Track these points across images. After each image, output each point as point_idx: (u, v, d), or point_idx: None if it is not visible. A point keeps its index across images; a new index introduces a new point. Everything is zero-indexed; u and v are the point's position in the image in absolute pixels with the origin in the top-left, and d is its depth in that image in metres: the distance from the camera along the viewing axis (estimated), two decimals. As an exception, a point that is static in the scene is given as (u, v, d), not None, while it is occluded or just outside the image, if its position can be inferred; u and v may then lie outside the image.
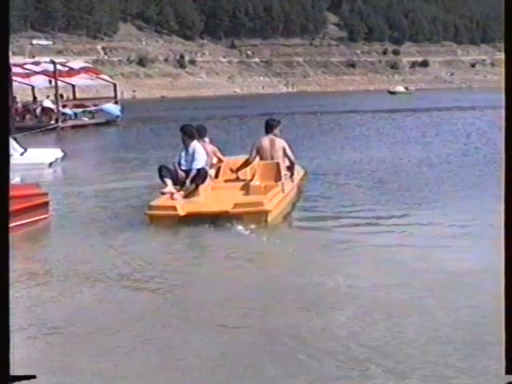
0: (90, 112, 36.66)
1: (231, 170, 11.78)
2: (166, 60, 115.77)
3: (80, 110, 36.23)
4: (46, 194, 10.31)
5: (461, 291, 6.36)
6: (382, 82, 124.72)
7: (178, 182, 10.61)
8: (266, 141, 11.70)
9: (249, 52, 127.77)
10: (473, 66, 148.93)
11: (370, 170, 15.97)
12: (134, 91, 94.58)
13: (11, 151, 16.70)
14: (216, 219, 9.47)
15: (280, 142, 11.67)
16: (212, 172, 11.45)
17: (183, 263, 7.92)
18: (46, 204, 10.22)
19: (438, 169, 15.89)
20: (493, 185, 12.25)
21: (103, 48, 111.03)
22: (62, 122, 33.43)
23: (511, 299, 1.99)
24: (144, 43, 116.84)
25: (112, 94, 39.77)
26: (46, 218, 10.08)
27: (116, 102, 38.55)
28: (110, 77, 49.89)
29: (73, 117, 35.35)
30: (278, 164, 11.36)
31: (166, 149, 19.74)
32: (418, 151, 19.59)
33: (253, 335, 5.41)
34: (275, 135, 11.76)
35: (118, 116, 36.85)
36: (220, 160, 11.98)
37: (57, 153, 18.65)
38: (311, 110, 47.69)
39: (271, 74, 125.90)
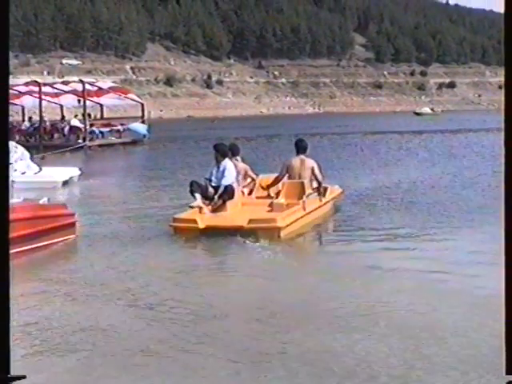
0: (118, 131, 36.88)
1: (262, 187, 12.29)
2: (193, 80, 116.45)
3: (107, 129, 36.49)
4: (73, 215, 10.39)
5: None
6: (408, 104, 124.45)
7: (208, 197, 11.20)
8: (296, 160, 12.22)
9: (276, 72, 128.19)
10: (500, 87, 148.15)
11: (397, 191, 15.93)
12: (161, 111, 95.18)
13: (25, 169, 16.75)
14: (234, 233, 10.02)
15: (310, 163, 12.19)
16: (245, 189, 12.13)
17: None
18: (73, 224, 10.28)
19: (463, 191, 15.82)
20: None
21: (131, 68, 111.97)
22: (90, 140, 33.69)
23: (511, 299, 1.97)
24: (171, 63, 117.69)
25: (139, 114, 40.02)
26: (73, 237, 10.14)
27: (143, 122, 38.77)
28: (138, 96, 50.25)
29: (100, 136, 35.60)
30: (302, 183, 11.83)
31: (192, 168, 19.81)
32: (443, 172, 19.54)
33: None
34: (306, 156, 12.28)
35: (144, 135, 37.04)
36: (252, 178, 12.44)
37: (73, 171, 18.41)
38: (338, 130, 47.67)
39: (298, 95, 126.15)
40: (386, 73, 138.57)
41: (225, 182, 11.16)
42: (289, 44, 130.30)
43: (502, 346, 2.00)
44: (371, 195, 15.27)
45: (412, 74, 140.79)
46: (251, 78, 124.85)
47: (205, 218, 10.55)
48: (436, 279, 7.83)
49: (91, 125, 35.68)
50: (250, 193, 12.26)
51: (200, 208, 10.85)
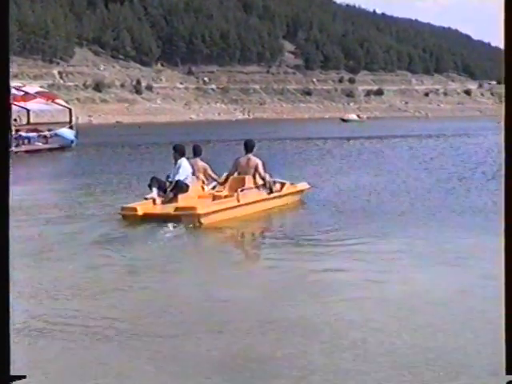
0: (45, 137, 36.38)
1: (219, 183, 13.76)
2: (122, 85, 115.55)
3: (35, 134, 35.95)
4: None
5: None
6: (337, 110, 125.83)
7: (165, 191, 12.79)
8: (243, 159, 13.86)
9: (205, 78, 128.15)
10: (426, 95, 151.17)
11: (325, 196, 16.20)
12: (89, 116, 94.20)
13: None
14: (166, 220, 11.63)
15: (254, 161, 13.75)
16: (209, 186, 13.64)
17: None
18: None
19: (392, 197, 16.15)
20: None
21: (59, 72, 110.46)
22: (16, 146, 33.14)
23: (511, 300, 2.09)
24: (100, 68, 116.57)
25: (67, 119, 39.57)
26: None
27: (71, 127, 38.36)
28: (66, 102, 49.65)
29: (26, 142, 35.05)
30: (243, 178, 13.43)
31: (119, 174, 19.73)
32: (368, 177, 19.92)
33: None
34: (254, 155, 13.83)
35: (72, 141, 36.66)
36: (211, 176, 13.81)
37: None
38: (267, 136, 47.96)
39: (227, 101, 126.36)
40: (315, 80, 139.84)
41: (178, 177, 12.74)
42: (218, 50, 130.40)
43: (502, 346, 2.14)
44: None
45: (340, 81, 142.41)
46: (181, 83, 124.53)
47: (144, 207, 12.15)
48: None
49: (17, 130, 35.10)
50: (214, 188, 13.74)
51: (153, 199, 12.47)
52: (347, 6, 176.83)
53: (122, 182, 19.72)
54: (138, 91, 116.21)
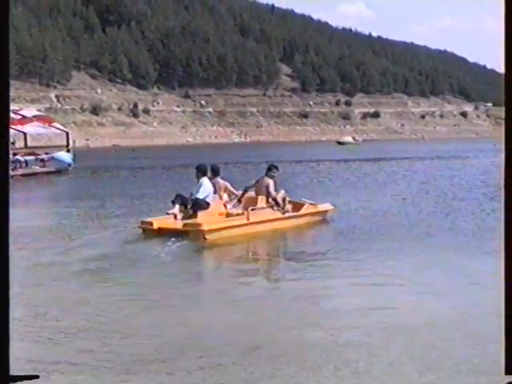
0: (42, 160, 36.37)
1: (239, 199, 14.46)
2: (119, 109, 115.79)
3: (32, 157, 35.96)
4: None
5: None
6: (334, 133, 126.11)
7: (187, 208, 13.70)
8: (261, 179, 14.63)
9: (202, 102, 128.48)
10: (422, 117, 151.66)
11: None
12: (86, 140, 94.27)
13: None
14: (177, 234, 12.53)
15: (266, 181, 14.45)
16: (233, 202, 14.34)
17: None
18: None
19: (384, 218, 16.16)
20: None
21: (56, 96, 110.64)
22: (13, 170, 33.10)
23: (511, 299, 2.09)
24: (97, 92, 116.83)
25: (64, 143, 39.61)
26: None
27: (68, 151, 38.39)
28: (63, 125, 49.72)
29: (24, 165, 35.04)
30: (256, 198, 14.24)
31: (117, 198, 19.72)
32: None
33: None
34: (270, 177, 14.57)
35: (69, 164, 36.67)
36: (232, 193, 14.59)
37: None
38: (264, 159, 48.00)
39: (224, 124, 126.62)
40: (311, 102, 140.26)
41: (198, 195, 13.60)
42: (215, 73, 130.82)
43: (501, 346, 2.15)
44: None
45: (337, 103, 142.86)
46: (178, 107, 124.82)
47: (163, 222, 13.16)
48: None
49: (14, 154, 35.12)
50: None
51: (175, 215, 13.37)
52: (343, 29, 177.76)
53: (121, 204, 19.72)
54: (135, 114, 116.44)
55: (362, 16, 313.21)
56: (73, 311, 7.89)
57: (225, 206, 14.12)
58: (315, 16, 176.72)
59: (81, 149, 60.56)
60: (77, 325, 7.24)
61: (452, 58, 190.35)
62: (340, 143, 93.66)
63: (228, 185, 14.70)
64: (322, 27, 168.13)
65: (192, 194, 13.83)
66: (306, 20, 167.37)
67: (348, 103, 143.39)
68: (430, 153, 55.57)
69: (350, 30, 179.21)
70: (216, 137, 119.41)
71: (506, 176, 2.07)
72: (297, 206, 14.97)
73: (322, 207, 15.59)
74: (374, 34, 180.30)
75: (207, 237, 12.67)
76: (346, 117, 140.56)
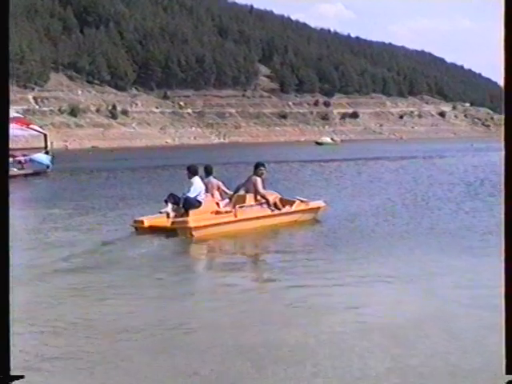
0: (20, 162, 36.13)
1: (229, 198, 14.72)
2: (97, 110, 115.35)
3: (9, 159, 35.69)
4: None
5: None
6: (313, 133, 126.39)
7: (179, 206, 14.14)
8: (250, 178, 14.89)
9: (181, 103, 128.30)
10: (401, 117, 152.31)
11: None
12: (65, 141, 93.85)
13: None
14: (167, 231, 13.16)
15: (254, 180, 14.70)
16: (225, 200, 14.69)
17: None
18: None
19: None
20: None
21: (34, 97, 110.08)
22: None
23: (511, 299, 2.10)
24: (75, 93, 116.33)
25: (42, 145, 39.38)
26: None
27: (47, 152, 38.18)
28: (41, 127, 49.48)
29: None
30: (244, 196, 14.57)
31: (96, 200, 19.63)
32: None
33: None
34: (259, 175, 14.81)
35: (48, 166, 36.46)
36: (224, 192, 14.90)
37: None
38: (243, 160, 48.03)
39: (203, 125, 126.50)
40: (290, 103, 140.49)
41: (189, 194, 14.01)
42: (194, 74, 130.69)
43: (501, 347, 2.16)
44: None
45: (316, 104, 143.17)
46: (156, 108, 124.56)
47: (154, 220, 13.72)
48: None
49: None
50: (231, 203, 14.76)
51: (167, 213, 13.86)
52: (322, 29, 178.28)
53: (100, 205, 19.65)
54: (114, 116, 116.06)
55: (340, 17, 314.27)
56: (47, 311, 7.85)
57: (217, 204, 14.44)
58: (294, 17, 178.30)
59: (59, 150, 60.28)
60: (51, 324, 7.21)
61: (430, 58, 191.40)
62: (318, 143, 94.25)
63: (220, 184, 15.07)
64: (301, 28, 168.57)
65: (184, 193, 14.22)
66: (285, 21, 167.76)
67: (327, 104, 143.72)
68: (408, 153, 55.82)
69: (329, 30, 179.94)
70: (195, 138, 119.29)
71: (506, 176, 2.09)
72: (287, 204, 15.16)
73: (313, 204, 15.78)
74: (353, 35, 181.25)
75: (194, 234, 13.12)
76: (324, 117, 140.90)
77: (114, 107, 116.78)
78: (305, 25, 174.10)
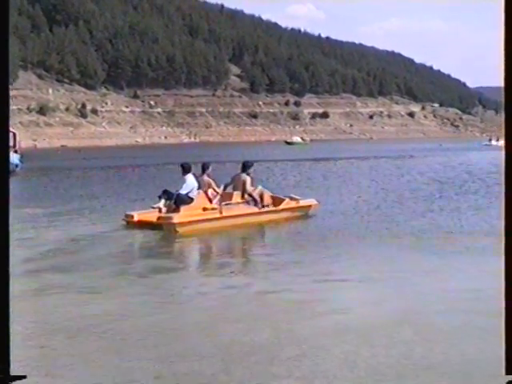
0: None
1: (221, 195, 14.93)
2: (67, 109, 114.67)
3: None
4: None
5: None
6: (283, 133, 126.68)
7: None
8: (237, 176, 15.27)
9: (151, 102, 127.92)
10: (371, 117, 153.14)
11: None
12: (34, 140, 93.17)
13: None
14: (154, 226, 13.53)
15: (243, 178, 15.06)
16: (217, 198, 14.87)
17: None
18: None
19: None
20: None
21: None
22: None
23: (511, 299, 2.13)
24: (45, 92, 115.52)
25: (11, 144, 39.05)
26: None
27: (16, 152, 37.87)
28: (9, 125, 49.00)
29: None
30: (231, 193, 14.93)
31: (67, 198, 19.51)
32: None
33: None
34: (247, 174, 15.17)
35: (17, 165, 36.18)
36: (214, 190, 14.99)
37: None
38: (213, 159, 48.00)
39: (173, 124, 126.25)
40: (260, 103, 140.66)
41: (181, 191, 14.40)
42: (164, 74, 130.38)
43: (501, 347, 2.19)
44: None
45: (286, 104, 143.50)
46: (126, 107, 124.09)
47: (143, 215, 14.09)
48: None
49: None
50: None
51: (159, 209, 14.21)
52: (292, 29, 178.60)
53: (71, 204, 19.55)
54: (83, 115, 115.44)
55: (311, 17, 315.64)
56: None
57: (210, 201, 14.66)
58: (264, 16, 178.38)
59: (28, 149, 59.84)
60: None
61: (399, 58, 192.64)
62: (288, 143, 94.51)
63: (212, 182, 15.26)
64: (271, 28, 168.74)
65: (177, 190, 14.57)
66: (256, 20, 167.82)
67: (297, 103, 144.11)
68: (377, 152, 56.15)
69: (299, 30, 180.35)
70: (165, 137, 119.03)
71: (506, 176, 2.15)
72: (277, 201, 15.38)
73: (303, 202, 15.90)
74: (323, 35, 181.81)
75: (178, 230, 13.45)
76: (295, 117, 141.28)
77: (84, 106, 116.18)
78: (275, 25, 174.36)
